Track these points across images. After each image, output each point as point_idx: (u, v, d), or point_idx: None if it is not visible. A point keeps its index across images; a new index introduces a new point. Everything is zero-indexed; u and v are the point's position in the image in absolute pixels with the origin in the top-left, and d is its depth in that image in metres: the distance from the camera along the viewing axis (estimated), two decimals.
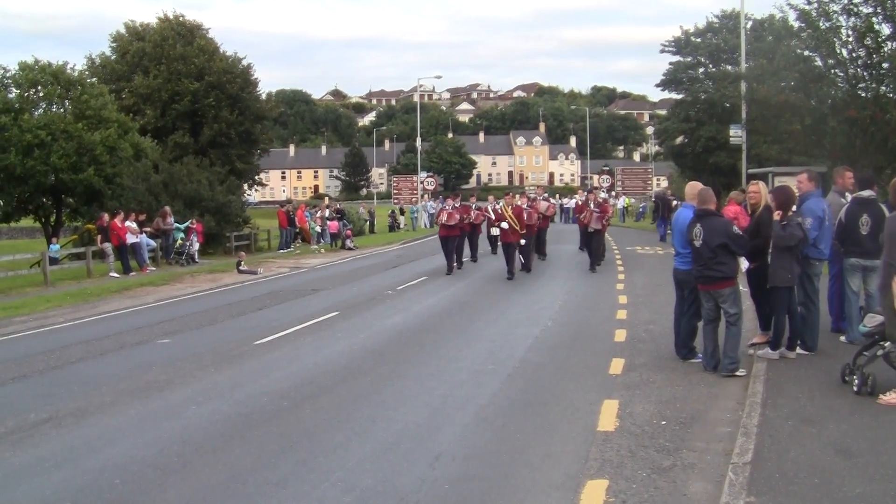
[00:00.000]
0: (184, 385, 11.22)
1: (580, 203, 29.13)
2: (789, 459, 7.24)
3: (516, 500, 6.74)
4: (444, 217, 25.85)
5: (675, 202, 41.69)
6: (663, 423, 8.76)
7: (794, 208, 11.18)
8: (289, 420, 9.27)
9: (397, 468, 7.54)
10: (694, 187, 11.84)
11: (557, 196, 78.93)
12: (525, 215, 24.53)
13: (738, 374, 10.65)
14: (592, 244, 25.63)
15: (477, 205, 28.67)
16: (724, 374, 10.71)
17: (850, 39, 27.01)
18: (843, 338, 12.13)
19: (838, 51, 27.46)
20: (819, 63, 28.50)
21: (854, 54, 27.21)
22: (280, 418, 9.35)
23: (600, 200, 27.09)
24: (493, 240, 27.37)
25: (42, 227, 40.27)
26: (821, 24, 27.22)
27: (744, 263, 11.19)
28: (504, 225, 23.82)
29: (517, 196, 27.02)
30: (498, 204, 26.99)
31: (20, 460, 8.07)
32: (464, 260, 27.38)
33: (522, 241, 23.99)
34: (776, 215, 10.89)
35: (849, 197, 12.42)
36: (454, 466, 7.58)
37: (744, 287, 11.67)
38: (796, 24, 29.66)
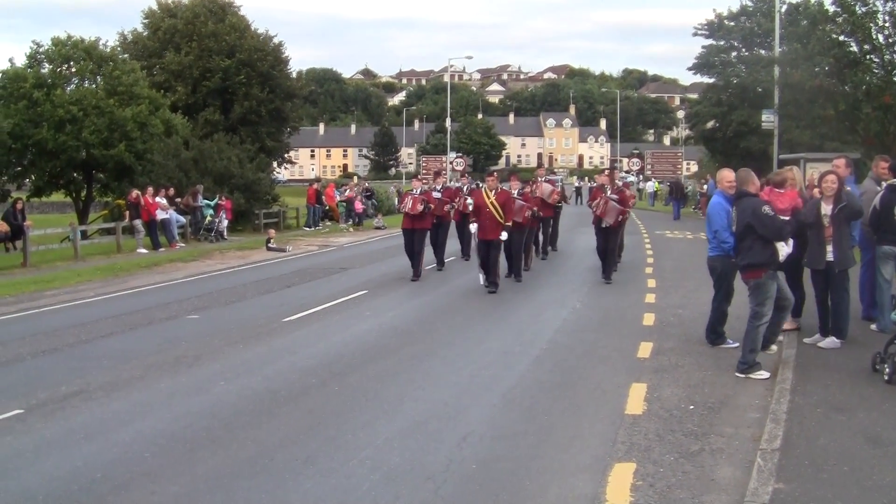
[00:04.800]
0: (212, 361, 11.29)
1: (594, 188, 21.91)
2: (819, 446, 7.20)
3: (544, 481, 6.74)
4: (407, 204, 19.82)
5: (706, 186, 41.54)
6: (691, 407, 8.73)
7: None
8: (317, 397, 9.32)
9: (425, 447, 7.56)
10: (719, 173, 11.77)
11: (587, 179, 78.50)
12: (515, 203, 18.27)
13: (753, 376, 9.88)
14: (607, 244, 18.78)
15: (470, 186, 23.67)
16: (736, 372, 10.08)
17: (887, 24, 26.71)
18: (873, 326, 12.01)
19: (874, 36, 27.14)
20: (854, 48, 28.18)
21: (890, 40, 26.90)
22: (308, 395, 9.40)
23: (619, 185, 20.26)
24: (466, 239, 22.37)
25: (73, 202, 40.59)
26: (857, 8, 26.90)
27: (783, 250, 10.11)
28: (473, 227, 18.21)
29: (499, 178, 19.36)
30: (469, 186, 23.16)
31: (51, 432, 8.15)
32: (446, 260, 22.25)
33: (504, 236, 17.54)
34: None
35: (884, 185, 12.29)
36: (482, 446, 7.59)
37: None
38: (832, 9, 29.30)
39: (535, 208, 20.03)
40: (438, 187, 22.09)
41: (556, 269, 21.28)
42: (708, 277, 12.01)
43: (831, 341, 11.07)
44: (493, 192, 17.68)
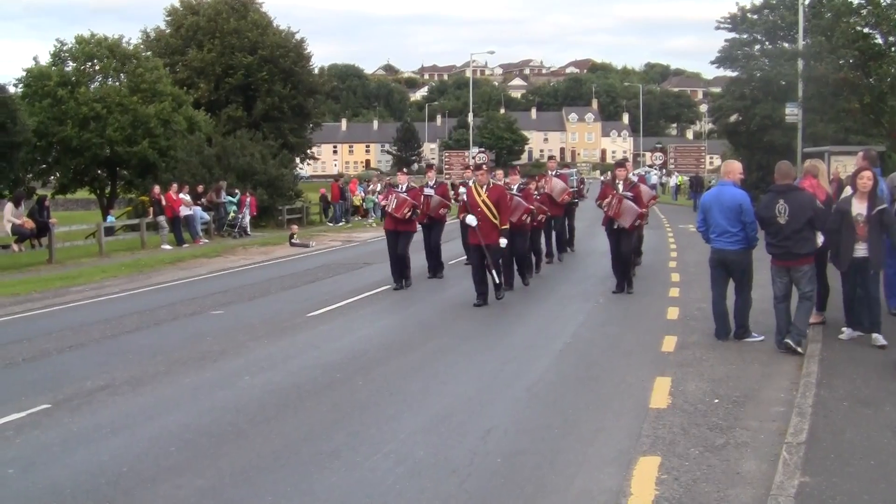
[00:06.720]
0: (237, 356, 11.33)
1: (605, 183, 18.39)
2: (845, 440, 7.15)
3: (568, 475, 6.73)
4: (391, 203, 17.10)
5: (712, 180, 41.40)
6: (716, 401, 8.69)
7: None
8: (341, 392, 9.33)
9: (449, 441, 7.56)
10: (730, 164, 11.82)
11: (608, 174, 78.20)
12: (512, 201, 16.03)
13: (799, 349, 10.41)
14: (619, 249, 16.01)
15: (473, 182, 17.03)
16: (791, 343, 10.50)
17: None
18: None
19: None
20: (879, 40, 28.02)
21: None
22: (332, 390, 9.42)
23: (633, 180, 16.88)
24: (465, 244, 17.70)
25: (97, 199, 40.90)
26: (881, 0, 26.74)
27: (819, 239, 10.89)
28: (471, 219, 14.98)
29: (498, 173, 16.84)
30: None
31: (78, 426, 8.20)
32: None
33: (503, 242, 14.91)
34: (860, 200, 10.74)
35: None
36: (506, 440, 7.59)
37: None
38: (856, 1, 29.14)
39: (533, 209, 17.30)
40: (431, 183, 18.68)
41: (578, 265, 21.21)
42: None
43: (851, 332, 11.05)
44: (485, 187, 15.09)
